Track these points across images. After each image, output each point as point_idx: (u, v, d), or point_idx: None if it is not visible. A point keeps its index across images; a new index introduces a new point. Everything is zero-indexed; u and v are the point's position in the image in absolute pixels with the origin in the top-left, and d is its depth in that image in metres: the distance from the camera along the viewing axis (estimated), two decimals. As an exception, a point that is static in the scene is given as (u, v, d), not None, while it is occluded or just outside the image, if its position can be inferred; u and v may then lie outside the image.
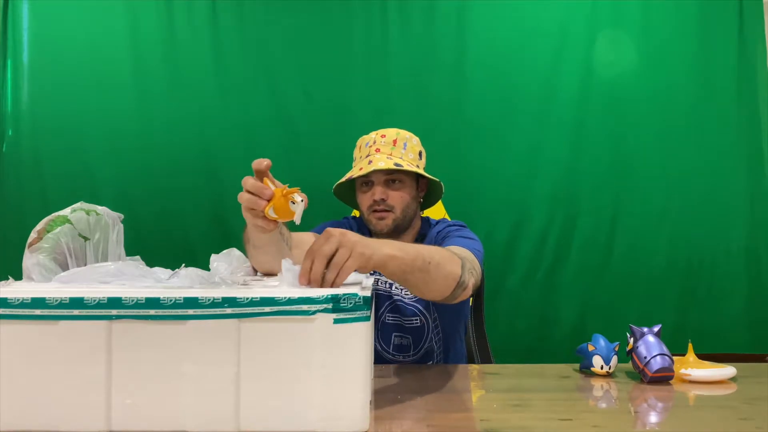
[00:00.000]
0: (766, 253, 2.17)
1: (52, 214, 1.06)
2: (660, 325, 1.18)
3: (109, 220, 1.10)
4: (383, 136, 1.41)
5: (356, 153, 1.46)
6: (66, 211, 1.06)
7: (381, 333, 1.39)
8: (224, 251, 1.02)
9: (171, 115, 2.10)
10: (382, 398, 1.01)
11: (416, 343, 1.39)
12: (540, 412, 0.97)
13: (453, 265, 1.05)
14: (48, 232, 1.02)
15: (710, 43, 2.18)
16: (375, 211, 1.37)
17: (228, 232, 2.09)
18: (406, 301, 1.38)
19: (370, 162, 1.34)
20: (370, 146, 1.40)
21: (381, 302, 1.39)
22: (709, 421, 0.94)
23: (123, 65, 2.10)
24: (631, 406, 1.04)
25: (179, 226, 2.09)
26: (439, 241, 1.36)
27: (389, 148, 1.39)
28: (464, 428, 0.90)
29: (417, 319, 1.38)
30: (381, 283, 1.40)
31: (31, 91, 2.09)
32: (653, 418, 1.00)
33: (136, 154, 2.09)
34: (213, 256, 1.00)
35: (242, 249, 1.04)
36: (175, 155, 2.09)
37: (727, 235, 2.17)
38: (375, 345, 1.38)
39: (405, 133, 1.44)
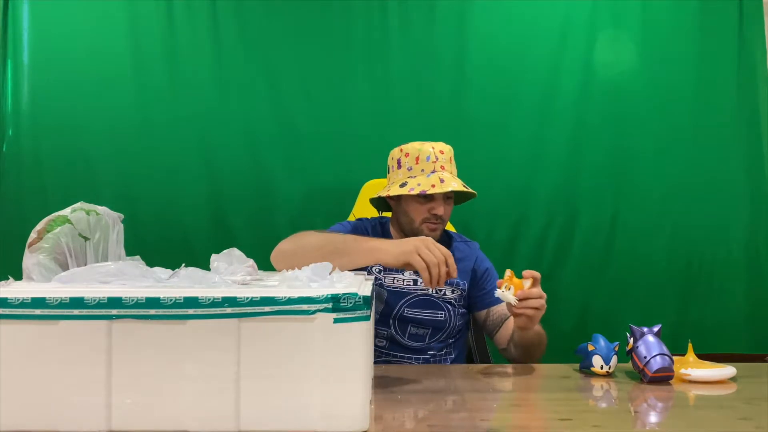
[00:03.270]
0: (766, 253, 2.17)
1: (52, 214, 1.06)
2: (660, 325, 1.18)
3: (109, 220, 1.10)
4: (441, 152, 1.47)
5: (410, 163, 1.47)
6: (66, 211, 1.06)
7: (398, 323, 1.46)
8: (224, 251, 1.02)
9: (171, 114, 2.10)
10: (382, 398, 1.01)
11: (433, 334, 1.46)
12: (540, 412, 0.97)
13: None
14: (48, 232, 1.02)
15: (710, 43, 2.18)
16: (431, 222, 1.46)
17: (228, 232, 2.09)
18: (434, 296, 1.46)
19: (442, 180, 1.41)
20: (433, 162, 1.45)
21: (397, 299, 1.46)
22: (709, 421, 0.94)
23: (123, 65, 2.10)
24: (631, 406, 1.04)
25: (179, 226, 2.09)
26: (485, 277, 1.52)
27: (449, 166, 1.48)
28: (464, 428, 0.90)
29: (442, 314, 1.46)
30: (398, 280, 1.47)
31: (31, 91, 2.09)
32: (653, 418, 1.00)
33: (136, 154, 2.08)
34: (213, 256, 1.00)
35: (242, 248, 1.04)
36: (175, 155, 2.09)
37: (727, 235, 2.16)
38: (390, 332, 1.45)
39: (451, 148, 1.52)
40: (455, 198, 1.55)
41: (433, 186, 1.40)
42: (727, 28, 2.19)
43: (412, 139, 1.53)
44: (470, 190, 1.46)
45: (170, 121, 2.10)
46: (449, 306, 1.46)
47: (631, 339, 1.17)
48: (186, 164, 2.10)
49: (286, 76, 2.14)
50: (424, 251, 1.13)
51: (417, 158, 1.46)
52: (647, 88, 2.17)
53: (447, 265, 1.14)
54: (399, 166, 1.49)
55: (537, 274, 1.22)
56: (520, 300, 1.21)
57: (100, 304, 0.79)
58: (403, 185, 1.44)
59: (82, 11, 2.10)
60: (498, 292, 1.22)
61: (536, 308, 1.21)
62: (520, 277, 1.23)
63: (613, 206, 2.16)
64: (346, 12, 2.15)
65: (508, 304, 1.23)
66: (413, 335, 1.45)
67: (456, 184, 1.42)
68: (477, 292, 1.50)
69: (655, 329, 1.17)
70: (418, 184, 1.41)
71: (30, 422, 0.80)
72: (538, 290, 1.22)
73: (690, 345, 1.20)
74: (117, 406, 0.80)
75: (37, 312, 0.79)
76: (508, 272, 1.23)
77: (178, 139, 2.10)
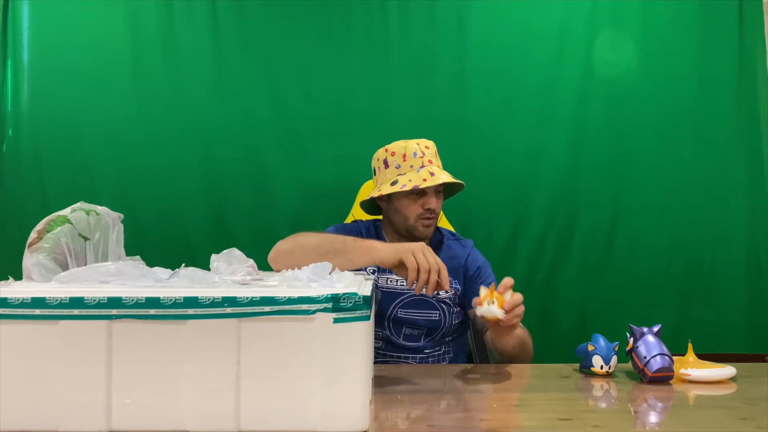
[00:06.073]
0: (766, 253, 2.17)
1: (52, 214, 1.06)
2: (660, 325, 1.18)
3: (109, 220, 1.10)
4: (427, 147, 1.50)
5: (397, 161, 1.48)
6: (66, 211, 1.07)
7: (393, 324, 1.45)
8: (224, 251, 1.03)
9: (171, 114, 2.09)
10: (382, 398, 1.01)
11: (429, 334, 1.46)
12: (540, 412, 0.97)
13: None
14: (48, 232, 1.02)
15: (710, 43, 2.18)
16: (425, 218, 1.47)
17: (228, 232, 2.09)
18: (428, 297, 1.45)
19: (432, 174, 1.43)
20: (420, 157, 1.47)
21: (391, 299, 1.45)
22: (709, 421, 0.94)
23: (123, 65, 2.09)
24: (631, 406, 1.04)
25: (179, 226, 2.08)
26: (477, 275, 1.51)
27: (436, 160, 1.50)
28: (464, 428, 0.90)
29: (436, 314, 1.46)
30: (392, 281, 1.47)
31: (31, 91, 2.09)
32: (653, 418, 1.00)
33: (136, 153, 2.08)
34: (213, 256, 1.01)
35: (241, 248, 1.04)
36: (175, 155, 2.09)
37: (727, 235, 2.16)
38: (385, 333, 1.44)
39: (434, 144, 1.54)
40: (443, 192, 1.57)
41: (424, 180, 1.41)
42: (727, 28, 2.18)
43: (412, 138, 1.53)
44: (459, 181, 1.48)
45: (170, 121, 2.09)
46: (443, 306, 1.46)
47: (631, 339, 1.17)
48: (186, 164, 2.09)
49: (286, 76, 2.13)
50: (419, 254, 1.14)
51: (404, 155, 1.47)
52: (647, 88, 2.16)
53: (439, 276, 1.13)
54: (386, 166, 1.51)
55: (510, 281, 1.18)
56: (507, 312, 1.14)
57: (100, 304, 0.79)
58: (394, 183, 1.45)
59: (82, 11, 2.10)
60: (481, 310, 1.15)
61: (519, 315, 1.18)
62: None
63: (613, 206, 2.16)
64: (346, 12, 2.15)
65: (493, 320, 1.16)
66: (408, 336, 1.45)
67: (446, 177, 1.44)
68: (468, 290, 1.49)
69: (655, 329, 1.17)
70: (410, 180, 1.43)
71: (30, 422, 0.80)
72: (519, 296, 1.18)
73: (690, 345, 1.20)
74: (117, 406, 0.80)
75: (37, 312, 0.79)
76: (484, 290, 1.16)
77: (178, 139, 2.09)
